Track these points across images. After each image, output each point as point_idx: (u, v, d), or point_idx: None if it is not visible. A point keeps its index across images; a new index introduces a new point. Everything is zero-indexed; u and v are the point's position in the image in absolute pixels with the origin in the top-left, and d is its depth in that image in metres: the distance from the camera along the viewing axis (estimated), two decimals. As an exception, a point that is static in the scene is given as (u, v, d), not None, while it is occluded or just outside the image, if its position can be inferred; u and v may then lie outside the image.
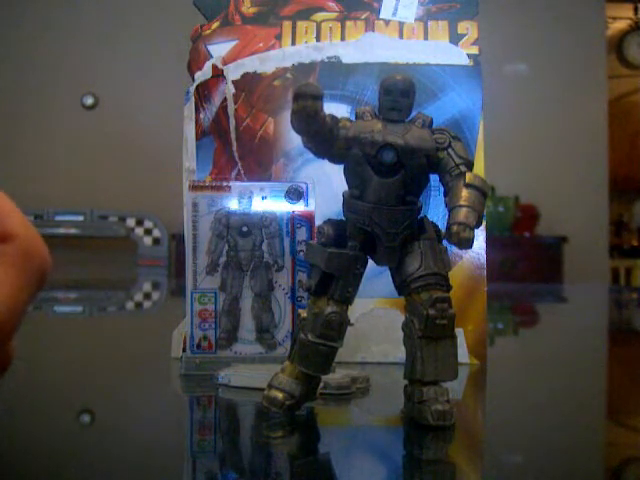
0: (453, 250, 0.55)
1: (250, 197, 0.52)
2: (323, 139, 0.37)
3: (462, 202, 0.37)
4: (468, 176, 0.37)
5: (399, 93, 0.37)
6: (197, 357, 0.51)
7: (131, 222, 3.07)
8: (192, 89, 0.61)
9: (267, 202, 0.52)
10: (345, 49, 0.61)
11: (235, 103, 0.61)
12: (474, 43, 0.61)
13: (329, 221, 0.39)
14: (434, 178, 0.39)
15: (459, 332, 0.56)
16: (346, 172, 0.38)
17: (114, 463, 0.30)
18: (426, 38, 0.62)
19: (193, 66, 0.62)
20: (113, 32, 3.13)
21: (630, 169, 4.16)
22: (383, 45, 0.61)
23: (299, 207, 0.52)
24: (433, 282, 0.38)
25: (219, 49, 0.62)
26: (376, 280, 0.47)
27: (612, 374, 0.63)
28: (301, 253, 0.52)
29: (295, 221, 0.52)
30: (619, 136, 3.62)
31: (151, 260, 3.00)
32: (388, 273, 0.40)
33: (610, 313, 1.36)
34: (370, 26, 0.62)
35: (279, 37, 0.62)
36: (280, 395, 0.38)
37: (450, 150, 0.38)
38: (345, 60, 0.61)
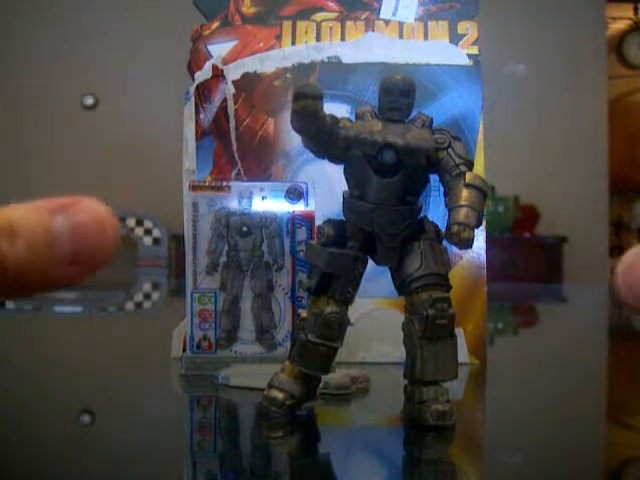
0: (453, 250, 0.55)
1: (250, 197, 0.52)
2: (323, 139, 0.37)
3: (462, 202, 0.37)
4: (468, 176, 0.37)
5: (399, 93, 0.37)
6: (197, 357, 0.51)
7: (131, 222, 3.07)
8: (192, 89, 0.61)
9: (267, 202, 0.52)
10: (345, 49, 0.61)
11: (235, 103, 0.61)
12: (474, 43, 0.61)
13: (329, 221, 0.39)
14: (434, 178, 0.39)
15: (459, 332, 0.56)
16: (346, 172, 0.38)
17: (114, 463, 0.30)
18: (426, 38, 0.62)
19: (193, 66, 0.62)
20: (113, 32, 3.13)
21: (630, 169, 4.16)
22: (383, 45, 0.61)
23: (299, 207, 0.52)
24: (433, 282, 0.38)
25: (219, 49, 0.62)
26: (376, 280, 0.47)
27: (612, 374, 0.63)
28: (301, 253, 0.52)
29: (295, 221, 0.52)
30: (619, 136, 3.62)
31: (151, 260, 3.00)
32: (388, 273, 0.40)
33: (610, 313, 1.36)
34: (370, 26, 0.62)
35: (279, 37, 0.62)
36: (280, 395, 0.38)
37: (450, 150, 0.38)
38: (345, 60, 0.61)
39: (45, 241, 0.23)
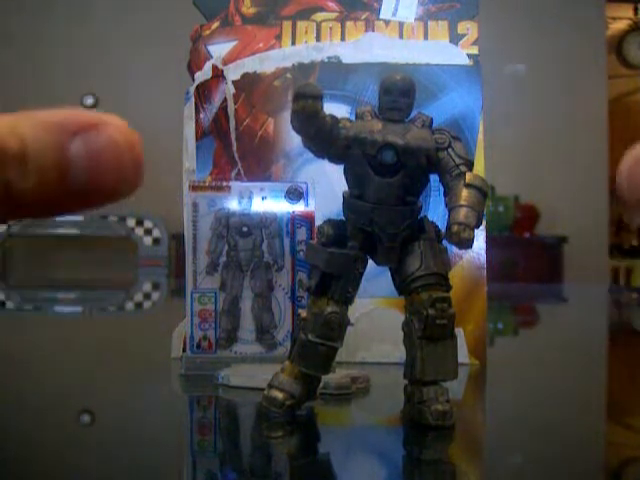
0: (453, 250, 0.55)
1: (250, 197, 0.52)
2: (323, 139, 0.37)
3: (462, 202, 0.36)
4: (468, 176, 0.37)
5: (399, 93, 0.37)
6: (197, 357, 0.51)
7: (131, 222, 3.07)
8: (192, 89, 0.61)
9: (267, 202, 0.52)
10: (345, 49, 0.61)
11: (235, 103, 0.61)
12: (474, 43, 0.61)
13: (329, 221, 0.39)
14: (434, 178, 0.39)
15: (459, 332, 0.56)
16: (346, 172, 0.38)
17: (114, 463, 0.30)
18: (426, 38, 0.62)
19: (193, 66, 0.62)
20: (113, 32, 3.13)
21: (630, 169, 4.14)
22: (383, 45, 0.61)
23: (299, 207, 0.52)
24: (433, 282, 0.38)
25: (219, 49, 0.62)
26: (376, 280, 0.47)
27: (612, 374, 0.63)
28: (301, 253, 0.52)
29: (295, 221, 0.52)
30: (619, 136, 3.61)
31: (151, 260, 3.00)
32: (388, 273, 0.40)
33: (610, 313, 1.36)
34: (370, 26, 0.62)
35: (279, 37, 0.62)
36: (280, 395, 0.38)
37: (450, 150, 0.38)
38: (345, 60, 0.61)
39: (58, 170, 0.21)
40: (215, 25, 0.63)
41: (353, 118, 0.38)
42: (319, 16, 0.63)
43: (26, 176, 0.20)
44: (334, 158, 0.38)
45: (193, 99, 0.61)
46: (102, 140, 0.22)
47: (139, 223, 3.08)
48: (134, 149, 0.22)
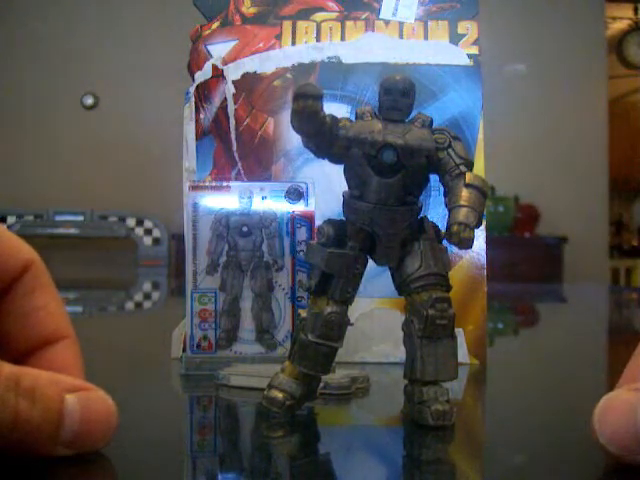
0: (453, 250, 0.55)
1: (250, 197, 0.52)
2: (323, 139, 0.37)
3: (462, 202, 0.36)
4: (468, 176, 0.37)
5: (399, 93, 0.37)
6: (197, 357, 0.51)
7: (131, 222, 3.07)
8: (192, 89, 0.61)
9: (267, 202, 0.52)
10: (345, 49, 0.61)
11: (235, 103, 0.61)
12: (474, 43, 0.61)
13: (329, 221, 0.39)
14: (434, 178, 0.39)
15: (459, 332, 0.56)
16: (346, 172, 0.38)
17: (113, 463, 0.30)
18: (426, 38, 0.62)
19: (193, 66, 0.62)
20: (113, 32, 3.13)
21: (630, 169, 4.16)
22: (383, 45, 0.61)
23: (299, 207, 0.52)
24: (433, 282, 0.38)
25: (219, 49, 0.62)
26: (376, 280, 0.47)
27: (612, 374, 0.63)
28: (301, 253, 0.52)
29: (295, 221, 0.52)
30: (619, 136, 3.62)
31: (151, 260, 3.00)
32: (388, 273, 0.40)
33: (610, 313, 1.36)
34: (370, 26, 0.62)
35: (279, 37, 0.62)
36: (280, 395, 0.38)
37: (450, 150, 0.38)
38: (345, 60, 0.61)
39: (58, 412, 0.27)
40: (215, 25, 0.63)
41: (353, 118, 0.38)
42: (319, 16, 0.63)
43: (32, 409, 0.26)
44: (334, 158, 0.38)
45: (193, 99, 0.61)
46: (93, 396, 0.29)
47: (139, 223, 3.08)
48: (114, 411, 0.29)
